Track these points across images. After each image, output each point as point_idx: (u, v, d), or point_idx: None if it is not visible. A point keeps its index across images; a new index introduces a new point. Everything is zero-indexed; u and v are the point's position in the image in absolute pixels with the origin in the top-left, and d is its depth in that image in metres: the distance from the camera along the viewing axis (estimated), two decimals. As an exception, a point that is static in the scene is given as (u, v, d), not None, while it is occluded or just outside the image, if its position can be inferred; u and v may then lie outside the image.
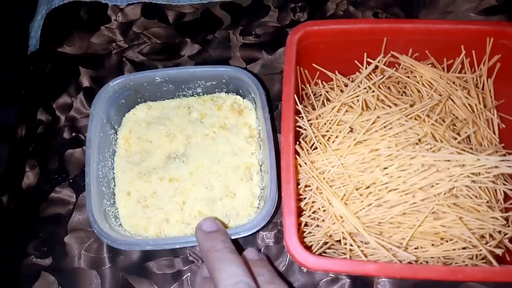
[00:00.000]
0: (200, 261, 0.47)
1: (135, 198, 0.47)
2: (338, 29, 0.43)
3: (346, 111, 0.43)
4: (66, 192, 0.50)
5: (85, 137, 0.52)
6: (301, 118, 0.43)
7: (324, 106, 0.45)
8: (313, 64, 0.47)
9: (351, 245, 0.38)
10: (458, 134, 0.42)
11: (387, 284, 0.44)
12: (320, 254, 0.40)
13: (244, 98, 0.51)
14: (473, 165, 0.38)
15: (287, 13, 0.59)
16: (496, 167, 0.38)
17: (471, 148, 0.40)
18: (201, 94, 0.52)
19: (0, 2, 0.68)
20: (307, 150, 0.42)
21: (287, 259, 0.46)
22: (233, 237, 0.40)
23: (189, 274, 0.46)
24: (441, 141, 0.40)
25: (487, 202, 0.39)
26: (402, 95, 0.46)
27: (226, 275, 0.34)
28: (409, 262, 0.38)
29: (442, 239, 0.38)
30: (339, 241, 0.40)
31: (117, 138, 0.50)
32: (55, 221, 0.49)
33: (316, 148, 0.42)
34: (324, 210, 0.41)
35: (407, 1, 0.58)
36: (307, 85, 0.48)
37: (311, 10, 0.59)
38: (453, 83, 0.45)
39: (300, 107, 0.41)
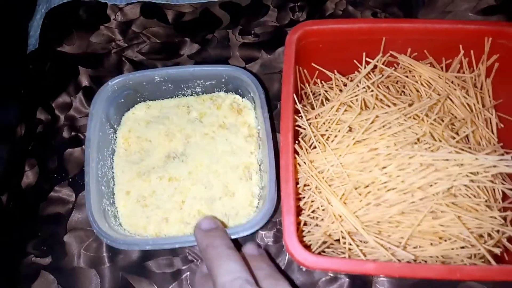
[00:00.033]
0: (199, 260, 0.47)
1: (135, 197, 0.48)
2: (337, 28, 0.43)
3: (345, 110, 0.43)
4: (66, 191, 0.51)
5: (85, 136, 0.52)
6: (300, 117, 0.43)
7: (323, 105, 0.45)
8: (312, 64, 0.47)
9: (350, 244, 0.38)
10: (457, 133, 0.43)
11: (385, 283, 0.45)
12: (319, 253, 0.40)
13: (243, 97, 0.51)
14: (471, 164, 0.38)
15: (286, 13, 0.60)
16: (495, 166, 0.38)
17: (470, 148, 0.40)
18: (200, 93, 0.52)
19: (0, 1, 0.68)
20: (306, 150, 0.42)
21: (286, 258, 0.47)
22: (232, 237, 0.40)
23: (188, 273, 0.46)
24: (440, 141, 0.40)
25: (486, 201, 0.39)
26: (401, 94, 0.46)
27: (224, 272, 0.34)
28: (408, 261, 0.38)
29: (440, 238, 0.38)
30: (338, 240, 0.40)
31: (116, 137, 0.50)
32: (55, 220, 0.49)
33: (315, 147, 0.42)
34: (323, 209, 0.41)
35: (406, 0, 0.58)
36: (306, 85, 0.49)
37: (310, 10, 0.59)
38: (452, 82, 0.45)
39: (299, 106, 0.41)
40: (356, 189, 0.39)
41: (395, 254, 0.38)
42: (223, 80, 0.49)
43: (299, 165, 0.41)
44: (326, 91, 0.48)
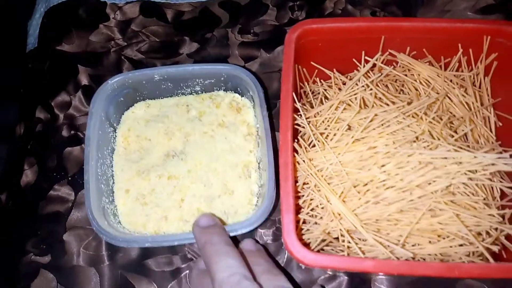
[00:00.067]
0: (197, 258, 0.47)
1: (134, 195, 0.48)
2: (336, 27, 0.43)
3: (344, 109, 0.43)
4: (65, 190, 0.51)
5: (84, 135, 0.52)
6: (299, 116, 0.43)
7: (322, 104, 0.45)
8: (311, 62, 0.47)
9: (349, 242, 0.38)
10: (455, 132, 0.43)
11: (384, 281, 0.45)
12: (318, 251, 0.40)
13: (242, 96, 0.51)
14: (470, 162, 0.38)
15: (285, 12, 0.60)
16: (493, 164, 0.38)
17: (468, 146, 0.41)
18: (199, 92, 0.52)
19: (-1, 0, 0.68)
20: (305, 148, 0.42)
21: (285, 257, 0.47)
22: (231, 234, 0.40)
23: (187, 271, 0.46)
24: (438, 139, 0.40)
25: (484, 199, 0.39)
26: (399, 93, 0.46)
27: (222, 268, 0.34)
28: (407, 259, 0.38)
29: (439, 236, 0.39)
30: (337, 238, 0.40)
31: (116, 136, 0.50)
32: (54, 219, 0.49)
33: (314, 146, 0.42)
34: (322, 208, 0.41)
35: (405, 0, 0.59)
36: (305, 83, 0.49)
37: (309, 9, 0.60)
38: (451, 81, 0.45)
39: (298, 105, 0.42)
40: (355, 187, 0.39)
41: (393, 252, 0.38)
42: (222, 79, 0.50)
43: (298, 164, 0.41)
44: (325, 90, 0.48)
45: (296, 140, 0.42)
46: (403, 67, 0.47)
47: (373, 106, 0.43)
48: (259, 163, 0.48)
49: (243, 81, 0.48)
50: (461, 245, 0.38)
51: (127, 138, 0.50)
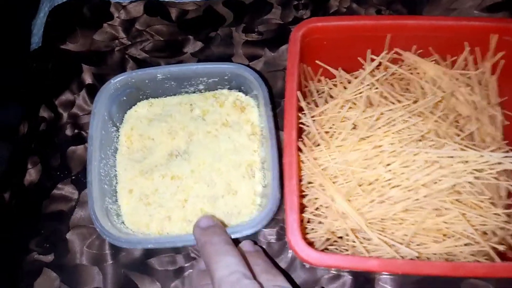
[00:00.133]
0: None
1: (137, 195, 0.47)
2: (342, 25, 0.43)
3: (350, 107, 0.43)
4: (68, 189, 0.51)
5: (87, 134, 0.52)
6: (304, 115, 0.43)
7: (327, 103, 0.45)
8: (316, 61, 0.47)
9: (354, 242, 0.38)
10: (461, 130, 0.42)
11: (388, 281, 0.44)
12: (322, 251, 0.40)
13: (246, 95, 0.51)
14: (476, 161, 0.38)
15: (290, 10, 0.59)
16: (499, 163, 0.38)
17: (474, 145, 0.40)
18: (203, 91, 0.52)
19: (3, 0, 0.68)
20: (310, 147, 0.42)
21: (289, 256, 0.46)
22: (235, 236, 0.40)
23: (190, 270, 0.46)
24: (445, 138, 0.40)
25: (490, 198, 0.39)
26: (405, 91, 0.46)
27: (221, 266, 0.34)
28: (411, 259, 0.38)
29: (444, 235, 0.38)
30: (341, 237, 0.40)
31: (119, 135, 0.50)
32: (57, 218, 0.49)
33: (319, 144, 0.42)
34: (326, 207, 0.41)
35: (410, -2, 0.58)
36: (310, 82, 0.48)
37: (314, 7, 0.59)
38: (457, 80, 0.45)
39: (303, 103, 0.41)
40: (360, 186, 0.39)
41: (398, 251, 0.38)
42: (226, 77, 0.49)
43: (303, 163, 0.41)
44: (330, 89, 0.48)
45: (300, 139, 0.42)
46: (409, 65, 0.47)
47: (378, 104, 0.43)
48: (263, 163, 0.48)
49: (247, 80, 0.47)
50: (466, 244, 0.38)
51: (130, 138, 0.50)
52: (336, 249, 0.41)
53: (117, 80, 0.47)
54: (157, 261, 0.47)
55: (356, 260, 0.35)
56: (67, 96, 0.56)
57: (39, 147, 0.53)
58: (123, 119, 0.51)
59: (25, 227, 0.49)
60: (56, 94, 0.56)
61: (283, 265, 0.46)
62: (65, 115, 0.55)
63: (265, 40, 0.58)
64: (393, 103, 0.42)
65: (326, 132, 0.42)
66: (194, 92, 0.52)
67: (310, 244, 0.40)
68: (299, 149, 0.41)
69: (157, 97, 0.52)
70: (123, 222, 0.46)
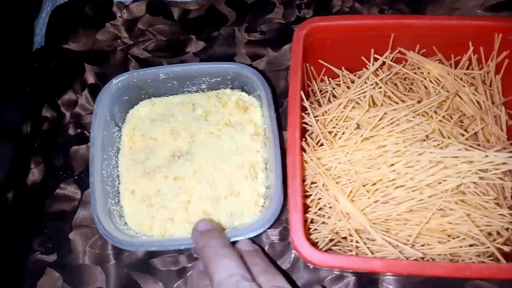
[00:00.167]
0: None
1: (140, 196, 0.47)
2: (345, 25, 0.43)
3: (353, 107, 0.43)
4: (71, 188, 0.50)
5: (90, 133, 0.52)
6: (307, 114, 0.43)
7: (330, 102, 0.45)
8: (320, 61, 0.46)
9: (357, 242, 0.38)
10: (466, 130, 0.42)
11: (392, 282, 0.44)
12: (326, 251, 0.40)
13: (249, 94, 0.51)
14: (481, 161, 0.37)
15: (292, 10, 0.59)
16: (504, 163, 0.37)
17: (479, 145, 0.40)
18: (206, 90, 0.51)
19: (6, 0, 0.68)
20: (313, 147, 0.42)
21: (292, 256, 0.46)
22: (238, 238, 0.40)
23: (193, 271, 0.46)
24: (449, 138, 0.39)
25: (495, 199, 0.39)
26: (409, 91, 0.46)
27: (220, 269, 0.34)
28: (416, 259, 0.37)
29: (449, 236, 0.38)
30: (345, 238, 0.39)
31: (121, 135, 0.50)
32: (60, 218, 0.49)
33: (322, 144, 0.42)
34: (330, 207, 0.41)
35: (413, -3, 0.58)
36: (313, 82, 0.48)
37: (316, 7, 0.59)
38: (461, 79, 0.45)
39: (306, 103, 0.41)
40: (364, 186, 0.39)
41: (403, 252, 0.37)
42: (229, 77, 0.49)
43: (306, 162, 0.41)
44: (333, 88, 0.47)
45: (304, 139, 0.41)
46: (412, 65, 0.46)
47: (382, 104, 0.43)
48: (266, 164, 0.47)
49: (250, 79, 0.47)
50: (471, 245, 0.38)
51: (132, 137, 0.50)
52: (340, 249, 0.41)
53: (119, 80, 0.47)
54: (160, 261, 0.47)
55: (360, 260, 0.35)
56: (69, 95, 0.55)
57: (42, 146, 0.53)
58: (125, 119, 0.51)
59: (28, 227, 0.49)
60: (58, 94, 0.56)
61: (286, 265, 0.46)
62: (67, 114, 0.54)
63: (268, 39, 0.58)
64: (397, 103, 0.42)
65: (330, 132, 0.42)
66: (196, 92, 0.52)
67: (314, 244, 0.40)
68: (303, 149, 0.40)
69: (160, 97, 0.52)
70: (125, 223, 0.46)
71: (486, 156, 0.37)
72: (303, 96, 0.41)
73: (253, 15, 0.59)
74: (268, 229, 0.47)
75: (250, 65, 0.50)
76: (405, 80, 0.47)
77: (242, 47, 0.57)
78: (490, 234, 0.39)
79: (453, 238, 0.38)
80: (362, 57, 0.46)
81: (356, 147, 0.40)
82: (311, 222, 0.41)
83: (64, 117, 0.54)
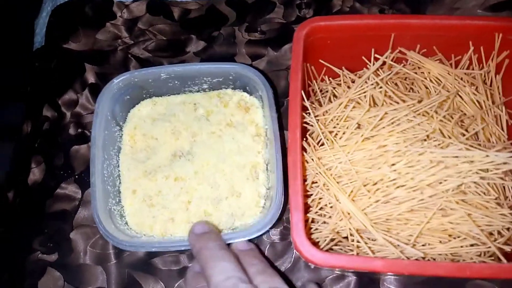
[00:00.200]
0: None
1: (141, 196, 0.47)
2: (346, 24, 0.43)
3: (353, 107, 0.43)
4: (72, 188, 0.50)
5: (91, 133, 0.52)
6: (308, 114, 0.43)
7: (331, 102, 0.45)
8: (320, 60, 0.46)
9: (358, 242, 0.38)
10: (466, 130, 0.42)
11: (393, 281, 0.44)
12: (327, 251, 0.40)
13: (251, 95, 0.51)
14: (481, 161, 0.37)
15: (292, 10, 0.59)
16: (505, 163, 0.37)
17: (479, 145, 0.40)
18: (207, 90, 0.51)
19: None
20: (314, 147, 0.42)
21: (293, 256, 0.46)
22: (239, 240, 0.40)
23: (194, 270, 0.46)
24: (450, 137, 0.39)
25: (496, 198, 0.39)
26: (409, 91, 0.46)
27: (218, 271, 0.34)
28: (417, 259, 0.37)
29: (450, 236, 0.38)
30: (346, 237, 0.39)
31: (122, 134, 0.50)
32: (61, 217, 0.49)
33: (323, 144, 0.42)
34: (331, 207, 0.41)
35: (413, -3, 0.58)
36: (314, 81, 0.48)
37: (317, 7, 0.59)
38: (461, 79, 0.45)
39: (307, 103, 0.41)
40: (364, 186, 0.39)
41: (403, 251, 0.37)
42: (230, 77, 0.49)
43: (307, 162, 0.41)
44: (334, 88, 0.48)
45: (304, 139, 0.41)
46: (413, 65, 0.46)
47: (383, 104, 0.43)
48: (267, 165, 0.47)
49: (252, 80, 0.47)
50: (472, 245, 0.38)
51: (133, 137, 0.50)
52: (341, 249, 0.41)
53: (120, 80, 0.47)
54: (161, 260, 0.47)
55: (361, 260, 0.35)
56: (70, 95, 0.55)
57: (43, 146, 0.53)
58: (126, 118, 0.51)
59: (29, 227, 0.49)
60: (59, 93, 0.56)
61: (287, 265, 0.46)
62: (68, 114, 0.54)
63: (268, 39, 0.58)
64: (398, 103, 0.42)
65: (330, 132, 0.42)
66: (198, 92, 0.51)
67: (315, 244, 0.40)
68: (303, 149, 0.41)
69: (161, 96, 0.52)
70: (126, 223, 0.46)
71: (487, 156, 0.37)
72: (304, 96, 0.41)
73: (254, 15, 0.59)
74: (270, 228, 0.47)
75: (251, 65, 0.50)
76: (405, 80, 0.47)
77: (242, 47, 0.57)
78: (491, 234, 0.39)
79: (454, 238, 0.38)
80: (363, 57, 0.46)
81: (357, 147, 0.40)
82: (312, 221, 0.41)
83: (65, 117, 0.54)
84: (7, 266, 0.48)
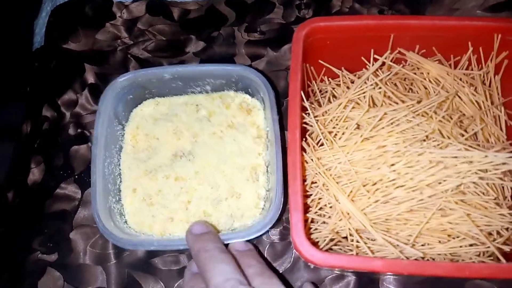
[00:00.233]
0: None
1: (141, 195, 0.47)
2: (345, 25, 0.43)
3: (353, 107, 0.43)
4: (72, 188, 0.50)
5: (90, 133, 0.53)
6: (307, 114, 0.43)
7: (330, 102, 0.45)
8: (319, 61, 0.47)
9: (358, 242, 0.38)
10: (465, 130, 0.42)
11: (392, 281, 0.44)
12: (326, 251, 0.40)
13: (252, 97, 0.51)
14: (480, 161, 0.37)
15: (292, 10, 0.59)
16: (504, 164, 0.37)
17: (479, 145, 0.40)
18: (209, 91, 0.51)
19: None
20: (314, 147, 0.42)
21: (293, 256, 0.46)
22: (237, 240, 0.40)
23: (194, 270, 0.46)
24: (449, 138, 0.40)
25: (495, 199, 0.39)
26: (409, 91, 0.46)
27: (217, 274, 0.34)
28: (416, 259, 0.37)
29: (449, 236, 0.38)
30: (345, 237, 0.40)
31: (124, 134, 0.50)
32: (61, 217, 0.49)
33: (322, 144, 0.42)
34: (330, 207, 0.41)
35: (412, -2, 0.58)
36: (313, 82, 0.48)
37: (316, 7, 0.59)
38: (460, 79, 0.45)
39: (306, 103, 0.41)
40: (364, 186, 0.39)
41: (403, 251, 0.38)
42: (233, 79, 0.49)
43: (307, 162, 0.41)
44: (333, 88, 0.48)
45: (304, 139, 0.41)
46: (412, 65, 0.47)
47: (382, 104, 0.43)
48: (267, 167, 0.48)
49: (254, 82, 0.47)
50: (471, 245, 0.38)
51: (135, 136, 0.50)
52: (340, 249, 0.41)
53: (123, 79, 0.47)
54: (161, 260, 0.47)
55: (361, 260, 0.35)
56: (69, 95, 0.55)
57: (42, 146, 0.53)
58: (128, 118, 0.51)
59: (29, 227, 0.49)
60: (58, 94, 0.56)
61: (286, 265, 0.46)
62: (68, 114, 0.54)
63: (267, 39, 0.58)
64: (397, 103, 0.42)
65: (330, 132, 0.42)
66: (200, 93, 0.52)
67: (314, 244, 0.40)
68: (303, 149, 0.41)
69: (164, 96, 0.52)
70: (126, 222, 0.46)
71: (486, 156, 0.37)
72: (303, 96, 0.41)
73: (253, 15, 0.59)
74: (269, 229, 0.47)
75: (250, 65, 0.50)
76: (404, 80, 0.47)
77: (242, 47, 0.57)
78: (490, 234, 0.39)
79: (453, 238, 0.38)
80: (362, 58, 0.46)
81: (356, 147, 0.40)
82: (312, 222, 0.41)
83: (64, 117, 0.54)
84: (7, 266, 0.48)
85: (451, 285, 0.44)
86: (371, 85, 0.43)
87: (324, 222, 0.41)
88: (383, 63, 0.45)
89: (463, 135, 0.41)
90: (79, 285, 0.46)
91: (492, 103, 0.44)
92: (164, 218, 0.46)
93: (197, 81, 0.49)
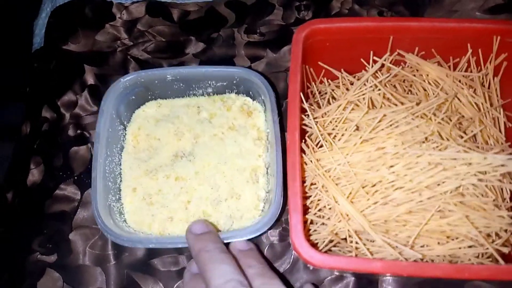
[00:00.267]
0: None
1: (141, 194, 0.48)
2: (345, 27, 0.43)
3: (352, 109, 0.43)
4: (71, 189, 0.51)
5: (90, 134, 0.53)
6: (306, 116, 0.43)
7: (330, 104, 0.45)
8: (319, 62, 0.47)
9: (357, 243, 0.38)
10: (465, 132, 0.42)
11: (391, 283, 0.44)
12: (326, 252, 0.40)
13: (254, 99, 0.51)
14: (480, 163, 0.37)
15: (292, 12, 0.59)
16: (503, 165, 0.37)
17: (478, 147, 0.40)
18: (211, 94, 0.52)
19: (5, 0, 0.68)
20: (313, 148, 0.42)
21: (292, 257, 0.46)
22: (236, 240, 0.40)
23: (193, 271, 0.46)
24: (448, 140, 0.40)
25: (494, 200, 0.39)
26: (408, 93, 0.46)
27: (217, 274, 0.34)
28: (415, 260, 0.38)
29: (448, 237, 0.38)
30: (345, 239, 0.40)
31: (125, 134, 0.50)
32: (60, 218, 0.49)
33: (321, 146, 0.42)
34: (329, 208, 0.41)
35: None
36: (313, 83, 0.48)
37: (316, 9, 0.59)
38: (459, 81, 0.45)
39: (306, 105, 0.41)
40: (363, 188, 0.39)
41: (402, 253, 0.38)
42: (234, 82, 0.49)
43: (306, 164, 0.41)
44: (332, 90, 0.48)
45: (303, 140, 0.42)
46: (411, 67, 0.47)
47: (381, 106, 0.43)
48: (267, 168, 0.48)
49: (255, 84, 0.47)
50: (470, 246, 0.38)
51: (136, 137, 0.50)
52: (340, 250, 0.41)
53: (126, 79, 0.47)
54: (160, 261, 0.47)
55: (360, 262, 0.35)
56: (69, 96, 0.56)
57: (42, 147, 0.53)
58: (130, 118, 0.51)
59: (28, 227, 0.49)
60: (58, 95, 0.56)
61: (285, 266, 0.46)
62: (67, 115, 0.55)
63: (267, 41, 0.58)
64: (396, 105, 0.43)
65: (329, 134, 0.42)
66: (202, 95, 0.52)
67: (314, 245, 0.40)
68: (302, 151, 0.41)
69: (166, 98, 0.52)
70: (125, 221, 0.46)
71: (485, 158, 0.37)
72: (303, 98, 0.41)
73: (253, 16, 0.59)
74: (267, 230, 0.47)
75: (249, 67, 0.50)
76: (404, 82, 0.47)
77: (241, 49, 0.57)
78: (489, 235, 0.39)
79: (452, 240, 0.38)
80: (362, 59, 0.46)
81: (356, 149, 0.40)
82: (311, 223, 0.41)
83: (64, 118, 0.54)
84: (6, 266, 0.48)
85: (450, 286, 0.44)
86: (371, 86, 0.43)
87: (323, 224, 0.41)
88: (383, 65, 0.45)
89: (462, 137, 0.41)
90: (78, 286, 0.46)
91: (491, 105, 0.45)
92: (164, 217, 0.46)
93: (199, 83, 0.50)
